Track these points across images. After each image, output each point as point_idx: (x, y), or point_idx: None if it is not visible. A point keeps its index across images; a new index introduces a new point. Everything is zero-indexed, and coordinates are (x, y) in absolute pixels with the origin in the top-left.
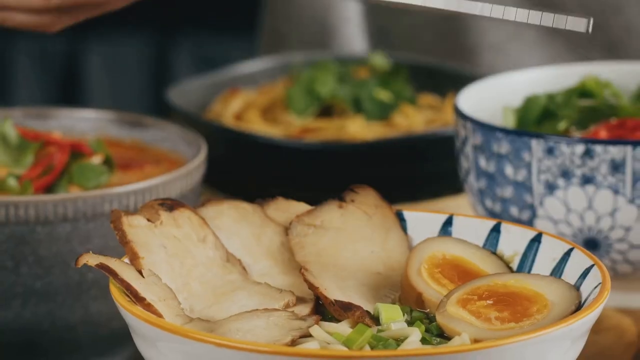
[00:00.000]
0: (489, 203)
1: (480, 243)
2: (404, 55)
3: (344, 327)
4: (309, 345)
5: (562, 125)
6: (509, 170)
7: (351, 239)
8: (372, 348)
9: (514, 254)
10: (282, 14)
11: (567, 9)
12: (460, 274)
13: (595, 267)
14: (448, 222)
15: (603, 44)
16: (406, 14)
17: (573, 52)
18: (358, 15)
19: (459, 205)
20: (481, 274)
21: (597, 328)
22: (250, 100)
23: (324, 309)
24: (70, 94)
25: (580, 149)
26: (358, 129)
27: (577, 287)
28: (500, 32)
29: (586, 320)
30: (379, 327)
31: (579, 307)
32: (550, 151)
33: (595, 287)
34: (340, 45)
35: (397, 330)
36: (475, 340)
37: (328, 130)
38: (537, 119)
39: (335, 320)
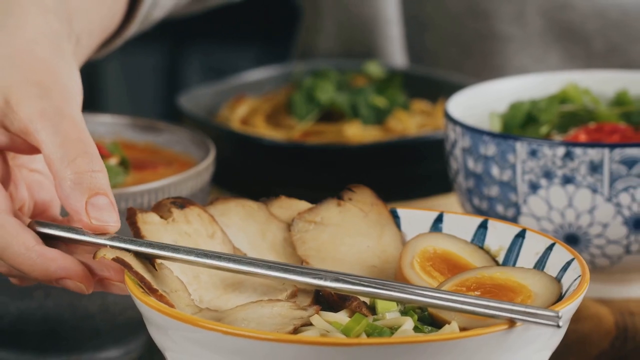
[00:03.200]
0: (476, 201)
1: (469, 238)
2: (398, 64)
3: (342, 317)
4: (310, 333)
5: (544, 129)
6: (495, 171)
7: (349, 234)
8: (368, 336)
9: (499, 249)
10: (326, 33)
11: (588, 37)
12: (450, 267)
13: (575, 261)
14: (439, 219)
15: (620, 68)
16: (433, 29)
17: None
18: (400, 34)
19: (449, 203)
20: (469, 267)
21: (577, 317)
22: (255, 106)
23: (324, 300)
24: (89, 100)
25: (561, 151)
26: (355, 132)
27: (558, 279)
28: (526, 57)
29: (567, 310)
30: (375, 317)
31: (560, 297)
32: (533, 153)
33: (575, 279)
34: (384, 61)
35: (392, 320)
36: (464, 328)
37: (328, 134)
38: (521, 124)
39: (334, 310)
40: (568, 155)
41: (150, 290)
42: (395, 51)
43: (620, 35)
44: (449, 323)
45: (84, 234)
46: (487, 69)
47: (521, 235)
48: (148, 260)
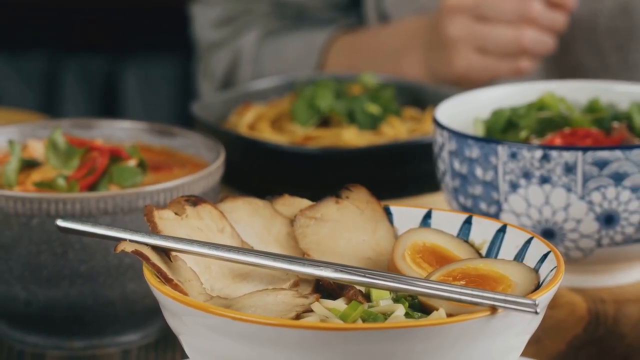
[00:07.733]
0: (462, 199)
1: (455, 233)
2: (390, 76)
3: (340, 304)
4: (311, 319)
5: (523, 134)
6: (478, 171)
7: (346, 229)
8: (363, 321)
9: (483, 242)
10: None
11: None
12: (438, 259)
13: (551, 253)
14: (428, 216)
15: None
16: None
17: None
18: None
19: (437, 201)
20: (455, 259)
21: (553, 304)
22: (261, 112)
23: (323, 289)
24: (110, 107)
25: (538, 153)
26: (352, 137)
27: (536, 270)
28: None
29: (544, 298)
30: (370, 304)
31: (537, 286)
32: (513, 156)
33: (552, 270)
34: None
35: (385, 307)
36: (451, 315)
37: (326, 138)
38: (503, 129)
39: (333, 298)
40: (545, 158)
41: (166, 280)
42: None
43: None
44: (437, 310)
45: (105, 229)
46: None
47: (502, 230)
48: (164, 253)
